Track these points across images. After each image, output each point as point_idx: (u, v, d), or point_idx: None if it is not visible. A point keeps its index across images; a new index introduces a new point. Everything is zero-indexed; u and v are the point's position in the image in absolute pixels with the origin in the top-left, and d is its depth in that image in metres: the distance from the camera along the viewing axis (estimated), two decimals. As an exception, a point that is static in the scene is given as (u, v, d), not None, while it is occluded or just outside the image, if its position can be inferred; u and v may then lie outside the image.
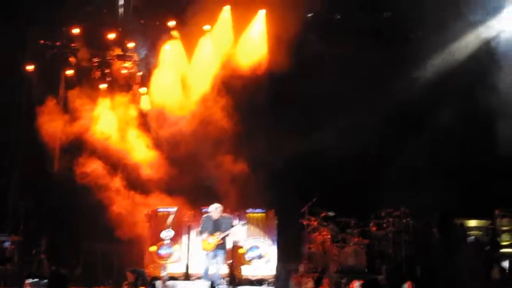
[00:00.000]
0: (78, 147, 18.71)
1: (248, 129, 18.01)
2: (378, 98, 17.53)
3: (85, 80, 19.06)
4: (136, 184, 18.42)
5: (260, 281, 16.61)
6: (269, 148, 17.77)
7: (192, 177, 18.01)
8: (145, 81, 19.22)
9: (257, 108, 18.05)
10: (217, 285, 15.04)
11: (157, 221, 17.06)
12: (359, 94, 17.47)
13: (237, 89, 18.30)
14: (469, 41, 17.65)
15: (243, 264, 16.83)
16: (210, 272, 15.46)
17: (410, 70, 17.82)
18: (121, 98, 19.04)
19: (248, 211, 17.13)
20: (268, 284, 16.52)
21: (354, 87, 17.46)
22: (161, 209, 17.09)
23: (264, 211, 17.16)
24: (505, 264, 15.43)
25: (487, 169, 17.04)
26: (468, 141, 17.23)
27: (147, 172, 18.47)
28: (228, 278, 16.39)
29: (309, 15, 18.34)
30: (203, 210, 16.68)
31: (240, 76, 18.37)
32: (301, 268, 16.68)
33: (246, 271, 16.81)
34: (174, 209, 16.73)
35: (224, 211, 16.06)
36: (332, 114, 17.59)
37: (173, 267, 16.63)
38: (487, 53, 17.53)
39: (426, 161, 17.09)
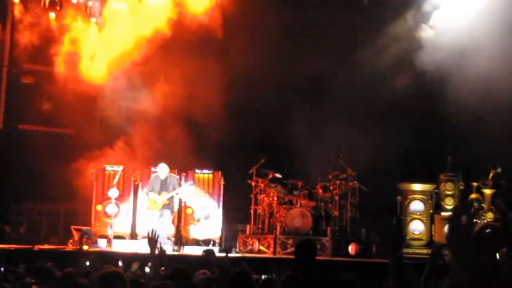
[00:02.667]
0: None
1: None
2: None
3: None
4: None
5: (206, 242, 16.66)
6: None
7: (140, 136, 17.83)
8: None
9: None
10: (163, 245, 15.05)
11: (103, 180, 16.94)
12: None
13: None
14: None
15: (190, 224, 16.86)
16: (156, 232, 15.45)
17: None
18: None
19: (196, 171, 17.12)
20: (214, 244, 16.59)
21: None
22: (108, 168, 16.96)
23: (211, 172, 17.17)
24: (445, 228, 15.75)
25: (431, 134, 17.30)
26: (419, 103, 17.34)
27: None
28: (174, 238, 16.44)
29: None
30: (152, 170, 16.64)
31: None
32: (248, 229, 16.78)
33: (193, 231, 16.85)
34: (121, 167, 16.61)
35: (172, 171, 16.05)
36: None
37: (119, 226, 16.56)
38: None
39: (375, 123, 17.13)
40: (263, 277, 5.94)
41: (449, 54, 16.30)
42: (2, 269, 8.10)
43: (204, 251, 10.82)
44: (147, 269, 9.86)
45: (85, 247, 14.66)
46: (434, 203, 16.70)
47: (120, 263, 11.40)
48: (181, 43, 17.59)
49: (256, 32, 16.95)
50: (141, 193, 16.72)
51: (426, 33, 17.55)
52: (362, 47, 17.69)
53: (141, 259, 11.86)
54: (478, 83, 15.64)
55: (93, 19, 18.36)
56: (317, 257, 13.36)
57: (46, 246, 15.69)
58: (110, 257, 12.81)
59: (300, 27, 17.97)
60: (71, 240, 15.81)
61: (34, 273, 6.30)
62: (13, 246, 15.37)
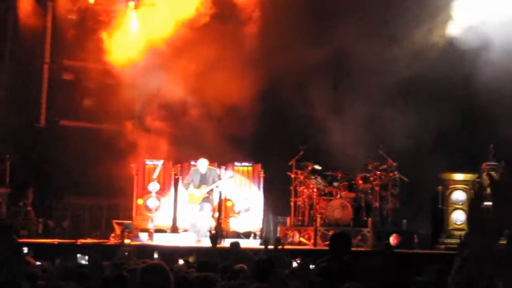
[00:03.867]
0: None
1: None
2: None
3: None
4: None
5: (247, 234, 16.70)
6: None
7: (181, 130, 17.92)
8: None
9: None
10: (204, 238, 15.13)
11: (144, 174, 17.06)
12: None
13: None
14: None
15: (230, 216, 16.92)
16: (197, 225, 15.56)
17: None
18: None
19: (235, 164, 17.16)
20: (255, 236, 16.61)
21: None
22: (148, 162, 17.08)
23: (251, 164, 17.19)
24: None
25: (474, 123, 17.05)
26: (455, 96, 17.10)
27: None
28: (214, 231, 16.48)
29: None
30: (191, 163, 16.72)
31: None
32: (288, 221, 16.76)
33: (234, 224, 16.90)
34: (161, 161, 16.71)
35: (212, 164, 16.11)
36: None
37: (160, 220, 16.67)
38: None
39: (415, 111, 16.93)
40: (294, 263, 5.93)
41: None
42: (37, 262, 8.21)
43: (231, 243, 10.89)
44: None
45: (127, 241, 14.81)
46: (479, 187, 16.44)
47: (156, 255, 11.48)
48: (218, 27, 17.59)
49: (290, 14, 16.86)
50: (181, 186, 16.80)
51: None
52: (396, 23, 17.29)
53: (184, 253, 11.96)
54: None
55: (131, 3, 18.45)
56: (359, 248, 13.38)
57: (88, 240, 15.85)
58: (150, 250, 12.94)
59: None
60: (113, 234, 15.95)
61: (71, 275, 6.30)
62: (56, 241, 15.56)
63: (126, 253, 10.02)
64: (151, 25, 18.02)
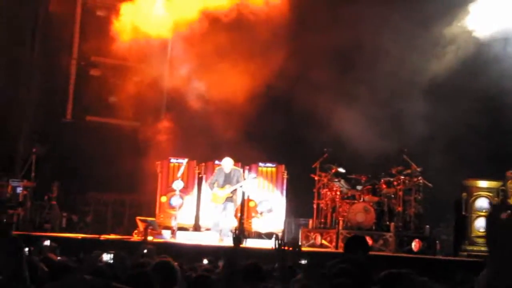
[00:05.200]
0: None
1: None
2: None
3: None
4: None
5: (269, 235, 16.72)
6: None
7: (205, 130, 17.96)
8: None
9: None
10: (226, 237, 15.17)
11: (168, 172, 17.14)
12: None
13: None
14: None
15: (253, 217, 16.95)
16: (219, 225, 15.61)
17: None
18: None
19: (259, 164, 17.19)
20: (277, 237, 16.59)
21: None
22: (173, 160, 17.15)
23: (275, 165, 17.22)
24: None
25: (498, 130, 16.93)
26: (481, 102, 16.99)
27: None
28: (237, 231, 16.52)
29: None
30: (216, 163, 16.77)
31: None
32: (310, 223, 16.76)
33: (256, 225, 16.94)
34: (186, 160, 16.76)
35: (236, 164, 16.15)
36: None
37: (183, 218, 16.74)
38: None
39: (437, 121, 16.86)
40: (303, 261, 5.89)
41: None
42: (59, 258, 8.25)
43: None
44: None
45: (150, 238, 14.88)
46: (501, 200, 16.38)
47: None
48: (243, 22, 17.58)
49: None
50: (205, 185, 16.87)
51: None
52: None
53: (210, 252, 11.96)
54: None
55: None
56: (380, 253, 13.32)
57: (112, 236, 15.94)
58: (172, 249, 12.98)
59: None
60: (136, 231, 16.02)
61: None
62: (80, 236, 15.66)
63: (145, 251, 10.02)
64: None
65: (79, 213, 17.94)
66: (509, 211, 14.14)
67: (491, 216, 3.63)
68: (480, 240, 16.07)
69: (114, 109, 18.98)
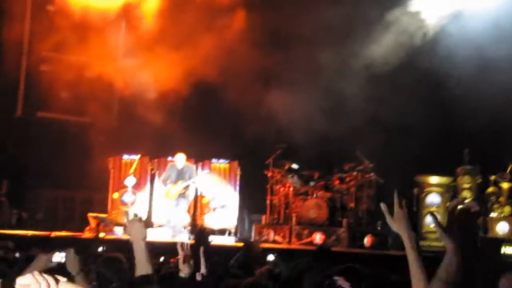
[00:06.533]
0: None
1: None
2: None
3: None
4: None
5: (222, 231, 16.69)
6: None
7: (158, 124, 17.84)
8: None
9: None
10: (179, 233, 15.12)
11: (120, 168, 17.01)
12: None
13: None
14: None
15: (206, 213, 16.90)
16: (172, 221, 15.55)
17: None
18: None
19: (212, 161, 17.16)
20: (230, 233, 16.62)
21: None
22: (125, 156, 17.02)
23: (228, 161, 17.20)
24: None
25: (449, 127, 17.15)
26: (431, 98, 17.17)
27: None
28: (189, 227, 16.47)
29: None
30: (168, 159, 16.68)
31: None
32: (263, 219, 16.78)
33: (209, 221, 16.89)
34: (138, 156, 16.65)
35: (188, 160, 16.09)
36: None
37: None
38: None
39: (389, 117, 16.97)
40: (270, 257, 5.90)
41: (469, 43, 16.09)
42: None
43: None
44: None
45: (102, 235, 14.75)
46: (451, 196, 16.61)
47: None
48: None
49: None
50: (158, 182, 16.78)
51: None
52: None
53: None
54: (498, 74, 15.49)
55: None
56: (332, 248, 13.33)
57: (63, 233, 15.75)
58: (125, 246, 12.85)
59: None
60: (87, 228, 15.87)
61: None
62: (30, 233, 15.45)
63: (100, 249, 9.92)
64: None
65: (30, 210, 17.68)
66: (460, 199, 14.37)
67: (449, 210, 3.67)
68: (431, 236, 16.28)
69: (65, 105, 18.76)
